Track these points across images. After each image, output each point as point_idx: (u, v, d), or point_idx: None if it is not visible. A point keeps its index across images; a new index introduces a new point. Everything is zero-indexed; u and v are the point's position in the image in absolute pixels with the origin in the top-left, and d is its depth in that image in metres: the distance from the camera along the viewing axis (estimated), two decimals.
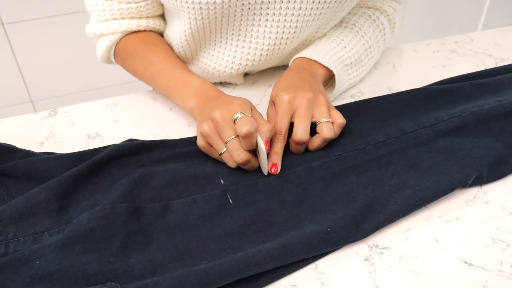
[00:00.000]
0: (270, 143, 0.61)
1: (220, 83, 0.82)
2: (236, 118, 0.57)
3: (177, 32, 0.75)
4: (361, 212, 0.55)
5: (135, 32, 0.76)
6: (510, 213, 0.58)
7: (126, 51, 0.75)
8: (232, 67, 0.76)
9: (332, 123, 0.63)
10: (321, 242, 0.52)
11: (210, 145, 0.61)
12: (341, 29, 0.77)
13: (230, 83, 0.82)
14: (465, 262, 0.52)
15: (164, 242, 0.53)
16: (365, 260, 0.52)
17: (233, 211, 0.56)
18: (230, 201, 0.57)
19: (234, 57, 0.74)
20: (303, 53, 0.74)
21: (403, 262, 0.52)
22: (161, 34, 0.81)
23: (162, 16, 0.80)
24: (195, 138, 0.65)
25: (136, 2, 0.72)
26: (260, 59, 0.74)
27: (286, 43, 0.72)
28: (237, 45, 0.73)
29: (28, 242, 0.53)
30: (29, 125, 0.72)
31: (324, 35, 0.77)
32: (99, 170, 0.59)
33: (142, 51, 0.74)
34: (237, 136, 0.58)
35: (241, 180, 0.59)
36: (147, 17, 0.76)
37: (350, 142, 0.65)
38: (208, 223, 0.55)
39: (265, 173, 0.60)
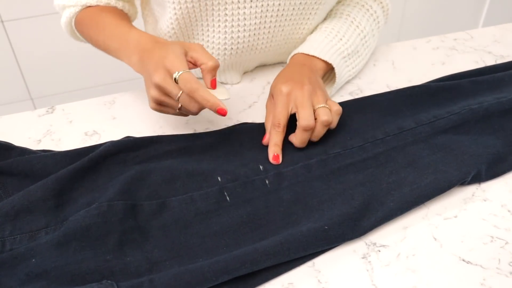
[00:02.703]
0: (270, 135, 0.63)
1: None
2: (175, 78, 0.58)
3: (165, 24, 0.75)
4: (359, 210, 0.54)
5: (95, 6, 0.77)
6: (508, 211, 0.57)
7: (83, 22, 0.77)
8: (224, 53, 0.76)
9: (330, 110, 0.63)
10: (318, 240, 0.51)
11: (163, 105, 0.62)
12: (335, 21, 0.78)
13: (227, 83, 0.82)
14: (463, 260, 0.52)
15: (161, 239, 0.53)
16: (363, 258, 0.52)
17: (230, 209, 0.56)
18: (227, 198, 0.57)
19: (225, 43, 0.75)
20: (301, 49, 0.75)
21: (401, 260, 0.52)
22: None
23: (129, 2, 0.80)
24: (192, 134, 0.65)
25: None
26: (249, 41, 0.75)
27: (271, 21, 0.73)
28: (225, 31, 0.73)
29: (24, 240, 0.52)
30: (26, 123, 0.72)
31: (320, 28, 0.78)
32: (95, 167, 0.59)
33: (96, 18, 0.75)
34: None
35: (238, 177, 0.59)
36: None
37: (348, 139, 0.64)
38: (205, 221, 0.55)
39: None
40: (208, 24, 0.73)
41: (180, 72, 0.58)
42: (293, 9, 0.73)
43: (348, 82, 0.80)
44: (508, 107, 0.69)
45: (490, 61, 0.86)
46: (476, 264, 0.51)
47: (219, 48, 0.75)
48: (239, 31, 0.73)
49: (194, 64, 0.63)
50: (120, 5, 0.77)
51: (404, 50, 0.90)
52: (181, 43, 0.63)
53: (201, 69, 0.62)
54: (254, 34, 0.74)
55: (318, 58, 0.73)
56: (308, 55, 0.73)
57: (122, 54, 0.68)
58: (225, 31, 0.73)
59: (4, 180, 0.58)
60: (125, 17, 0.77)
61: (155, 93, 0.60)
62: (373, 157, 0.62)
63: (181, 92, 0.58)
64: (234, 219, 0.55)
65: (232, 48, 0.75)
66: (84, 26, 0.76)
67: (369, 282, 0.49)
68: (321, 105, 0.63)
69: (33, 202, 0.54)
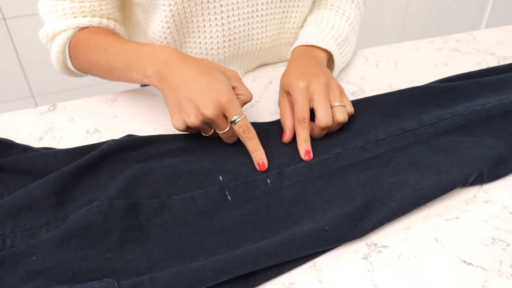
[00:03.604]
0: (296, 132, 0.64)
1: None
2: (234, 121, 0.59)
3: (157, 28, 0.75)
4: (360, 210, 0.54)
5: (88, 28, 0.73)
6: (510, 213, 0.57)
7: (79, 46, 0.72)
8: (224, 46, 0.77)
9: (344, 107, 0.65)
10: (319, 240, 0.51)
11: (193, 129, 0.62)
12: (322, 11, 0.81)
13: None
14: (464, 262, 0.52)
15: (162, 238, 0.53)
16: (364, 258, 0.52)
17: (231, 208, 0.56)
18: (229, 197, 0.57)
19: (223, 35, 0.75)
20: (299, 42, 0.77)
21: (402, 261, 0.52)
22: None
23: (119, 21, 0.78)
24: (193, 133, 0.65)
25: (89, 1, 0.71)
26: (244, 30, 0.76)
27: (262, 9, 0.76)
28: (222, 23, 0.74)
29: (25, 237, 0.52)
30: (28, 120, 0.72)
31: (309, 20, 0.80)
32: (97, 165, 0.59)
33: (94, 41, 0.71)
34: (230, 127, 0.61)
35: (239, 176, 0.59)
36: (101, 17, 0.74)
37: (349, 139, 0.64)
38: (206, 220, 0.55)
39: None
40: (204, 19, 0.73)
41: (240, 118, 0.59)
42: None
43: (350, 82, 0.80)
44: (510, 108, 0.69)
45: (493, 63, 0.85)
46: (477, 266, 0.51)
47: (218, 41, 0.76)
48: (234, 20, 0.74)
49: None
50: (112, 24, 0.75)
51: (407, 50, 0.90)
52: (219, 68, 0.63)
53: (237, 99, 0.63)
54: (248, 23, 0.76)
55: (317, 47, 0.75)
56: (307, 46, 0.75)
57: (132, 69, 0.65)
58: (222, 23, 0.74)
59: (5, 177, 0.58)
60: (123, 37, 0.75)
61: (196, 121, 0.59)
62: (374, 157, 0.62)
63: (228, 128, 0.60)
64: (235, 218, 0.55)
65: (230, 40, 0.76)
66: (79, 52, 0.72)
67: (370, 283, 0.49)
68: (337, 104, 0.64)
69: (34, 200, 0.54)
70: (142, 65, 0.64)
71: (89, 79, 1.81)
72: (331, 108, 0.64)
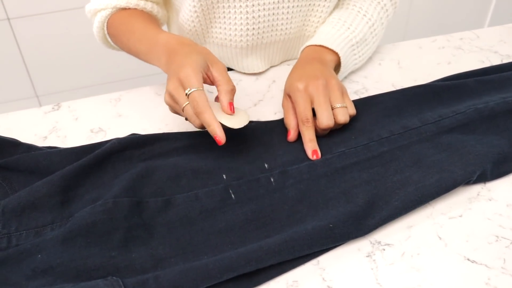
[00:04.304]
0: (301, 132, 0.64)
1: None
2: (187, 94, 0.58)
3: (186, 11, 0.77)
4: (364, 208, 0.54)
5: (126, 9, 0.77)
6: None
7: (114, 27, 0.77)
8: (247, 34, 0.77)
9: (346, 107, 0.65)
10: (323, 238, 0.52)
11: (176, 111, 0.63)
12: (342, 12, 0.80)
13: (241, 72, 0.83)
14: (468, 260, 0.52)
15: (166, 236, 0.53)
16: (367, 256, 0.52)
17: (235, 207, 0.56)
18: (232, 196, 0.57)
19: (247, 23, 0.76)
20: (309, 42, 0.77)
21: (405, 259, 0.52)
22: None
23: (158, 3, 0.81)
24: (197, 131, 0.65)
25: None
26: (269, 20, 0.77)
27: (288, 0, 0.75)
28: (247, 11, 0.75)
29: (30, 235, 0.53)
30: (32, 119, 0.73)
31: (327, 19, 0.80)
32: (101, 164, 0.59)
33: (126, 24, 0.76)
34: None
35: (243, 175, 0.59)
36: None
37: (353, 138, 0.64)
38: (210, 218, 0.55)
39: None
40: (229, 6, 0.74)
41: (192, 90, 0.57)
42: None
43: (353, 81, 0.80)
44: None
45: (496, 61, 0.85)
46: (481, 264, 0.51)
47: (241, 29, 0.77)
48: (259, 10, 0.75)
49: (211, 82, 0.62)
50: (149, 6, 0.78)
51: (410, 49, 0.90)
52: (207, 54, 0.62)
53: (217, 90, 0.61)
54: (273, 14, 0.76)
55: (326, 48, 0.75)
56: (316, 46, 0.75)
57: (152, 56, 0.69)
58: (247, 11, 0.75)
59: (10, 176, 0.59)
60: (154, 20, 0.78)
61: (167, 98, 0.61)
62: (378, 156, 0.62)
63: (186, 103, 0.58)
64: (239, 216, 0.55)
65: (254, 28, 0.77)
66: (115, 32, 0.77)
67: (374, 281, 0.50)
68: (338, 105, 0.65)
69: (39, 199, 0.54)
70: (158, 54, 0.67)
71: (92, 78, 1.82)
72: (332, 109, 0.64)
